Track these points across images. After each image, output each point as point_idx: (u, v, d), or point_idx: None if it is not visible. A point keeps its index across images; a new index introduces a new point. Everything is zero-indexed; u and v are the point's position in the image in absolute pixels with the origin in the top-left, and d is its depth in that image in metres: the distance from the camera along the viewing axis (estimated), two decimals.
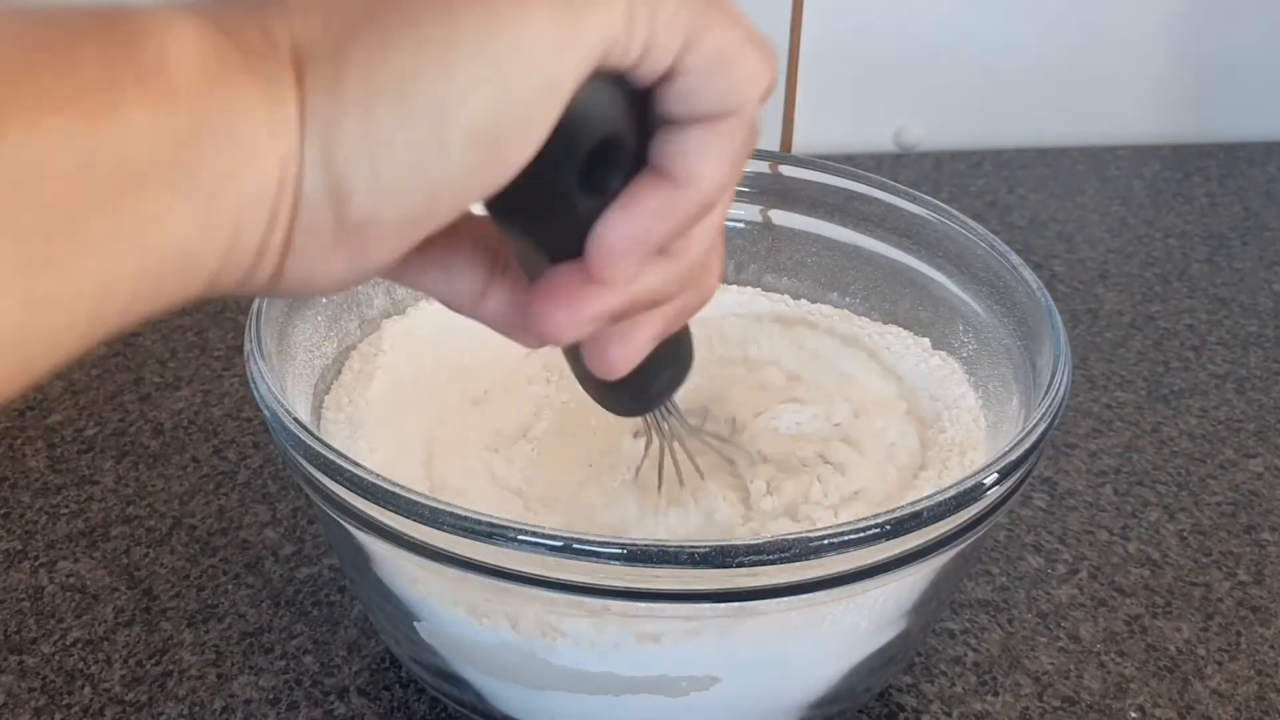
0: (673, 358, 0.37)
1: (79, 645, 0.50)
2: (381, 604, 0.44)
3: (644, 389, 0.38)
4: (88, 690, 0.48)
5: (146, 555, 0.55)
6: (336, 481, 0.38)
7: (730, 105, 0.27)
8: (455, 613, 0.40)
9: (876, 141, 0.94)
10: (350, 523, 0.39)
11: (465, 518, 0.35)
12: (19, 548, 0.55)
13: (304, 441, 0.38)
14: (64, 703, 0.48)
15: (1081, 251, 0.82)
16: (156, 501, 0.58)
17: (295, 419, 0.39)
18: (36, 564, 0.54)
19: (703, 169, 0.27)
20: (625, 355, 0.31)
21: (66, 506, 0.57)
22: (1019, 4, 0.91)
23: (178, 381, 0.66)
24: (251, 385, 0.41)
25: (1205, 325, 0.74)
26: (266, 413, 0.40)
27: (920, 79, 0.93)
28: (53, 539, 0.56)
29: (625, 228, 0.28)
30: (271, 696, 0.48)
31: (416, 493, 0.36)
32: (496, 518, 0.35)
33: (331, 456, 0.38)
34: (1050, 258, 0.80)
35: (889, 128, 0.94)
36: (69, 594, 0.53)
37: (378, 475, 0.37)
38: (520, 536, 0.35)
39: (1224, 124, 0.97)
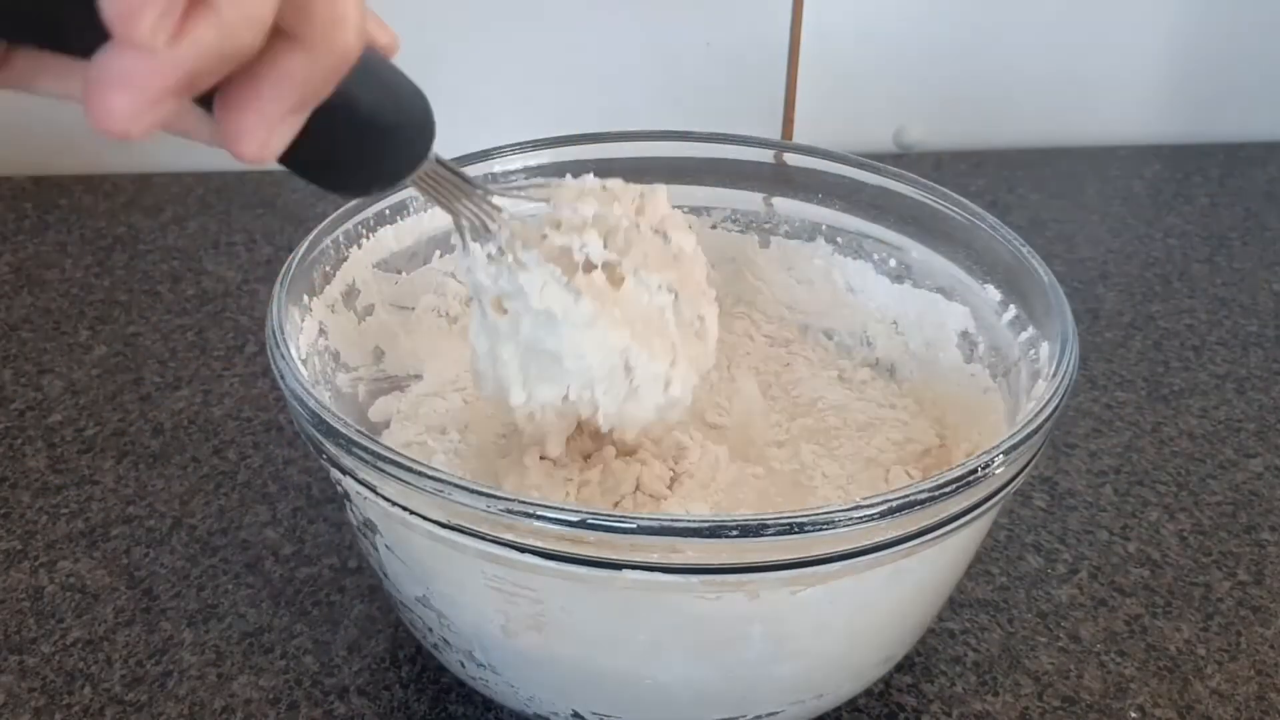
0: (378, 120, 0.33)
1: (79, 645, 0.50)
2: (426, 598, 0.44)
3: (368, 160, 0.34)
4: (88, 690, 0.48)
5: (146, 555, 0.55)
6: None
7: None
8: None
9: (876, 141, 0.94)
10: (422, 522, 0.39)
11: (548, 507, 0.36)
12: (19, 548, 0.55)
13: (373, 450, 0.39)
14: (64, 703, 0.48)
15: (1081, 251, 0.82)
16: (156, 501, 0.58)
17: (350, 422, 0.40)
18: (36, 564, 0.54)
19: None
20: (261, 135, 0.28)
21: (66, 506, 0.57)
22: (1019, 4, 0.91)
23: (178, 381, 0.66)
24: (279, 379, 0.42)
25: (1205, 325, 0.74)
26: (297, 405, 0.41)
27: (920, 79, 0.93)
28: (53, 539, 0.56)
29: None
30: (271, 696, 0.48)
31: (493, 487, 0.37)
32: (583, 507, 0.37)
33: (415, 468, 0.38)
34: (1050, 258, 0.80)
35: (889, 128, 0.94)
36: (69, 594, 0.53)
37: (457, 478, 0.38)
38: (609, 523, 0.36)
39: (1224, 124, 0.97)
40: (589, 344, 0.41)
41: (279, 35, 0.27)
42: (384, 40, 0.32)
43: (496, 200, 0.41)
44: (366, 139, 0.33)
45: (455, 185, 0.39)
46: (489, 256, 0.41)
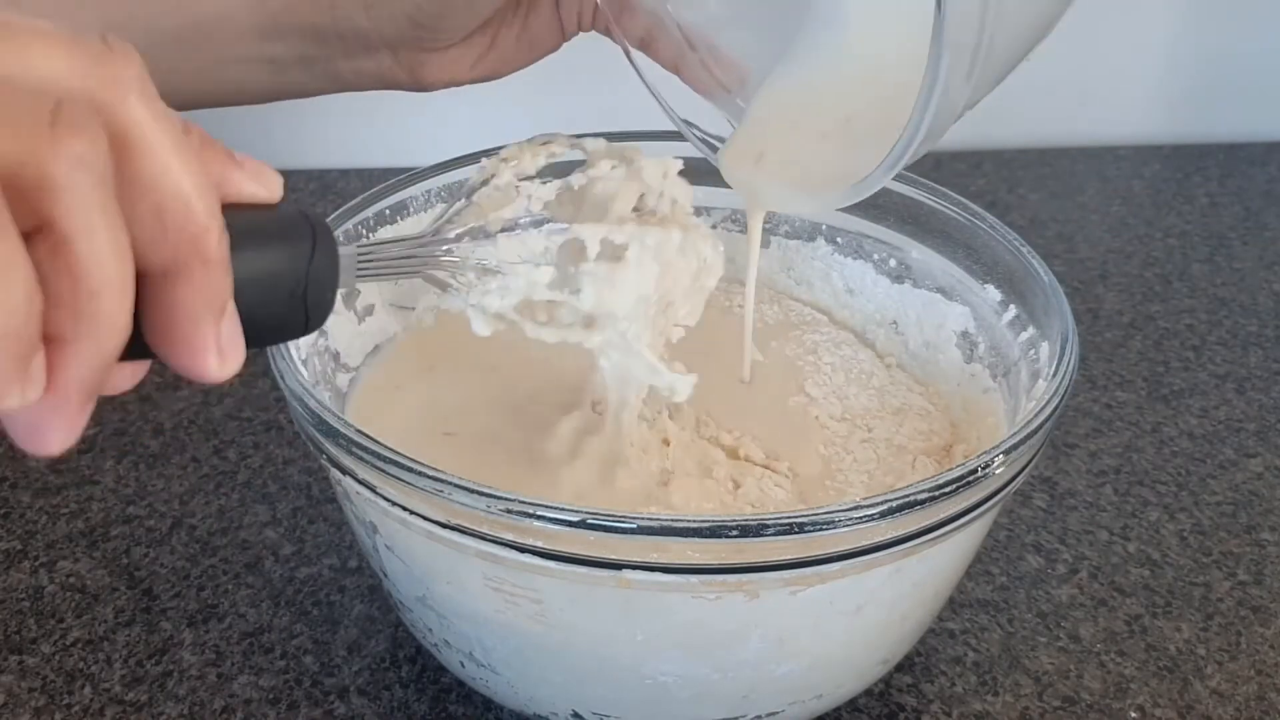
0: (280, 281, 0.30)
1: (79, 645, 0.50)
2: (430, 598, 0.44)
3: (295, 307, 0.31)
4: (88, 690, 0.49)
5: (146, 555, 0.55)
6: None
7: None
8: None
9: None
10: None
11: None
12: (19, 548, 0.55)
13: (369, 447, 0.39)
14: (64, 703, 0.48)
15: (1081, 251, 0.82)
16: (156, 501, 0.58)
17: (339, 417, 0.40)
18: (36, 564, 0.54)
19: None
20: (214, 360, 0.28)
21: (66, 506, 0.57)
22: None
23: (178, 381, 0.66)
24: (279, 379, 0.42)
25: (1205, 325, 0.74)
26: (297, 405, 0.41)
27: None
28: (53, 539, 0.56)
29: None
30: (271, 696, 0.48)
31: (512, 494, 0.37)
32: (583, 507, 0.37)
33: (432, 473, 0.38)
34: (1050, 258, 0.80)
35: None
36: (69, 594, 0.53)
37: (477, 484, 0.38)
38: (621, 524, 0.36)
39: (1224, 124, 0.97)
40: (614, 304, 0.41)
41: (151, 280, 0.27)
42: (264, 195, 0.30)
43: (450, 247, 0.38)
44: (271, 296, 0.31)
45: (397, 259, 0.36)
46: (472, 307, 0.39)
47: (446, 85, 0.53)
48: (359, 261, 0.34)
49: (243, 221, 0.28)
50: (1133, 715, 0.49)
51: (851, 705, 0.48)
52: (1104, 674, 0.51)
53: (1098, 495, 0.60)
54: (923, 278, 0.55)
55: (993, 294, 0.52)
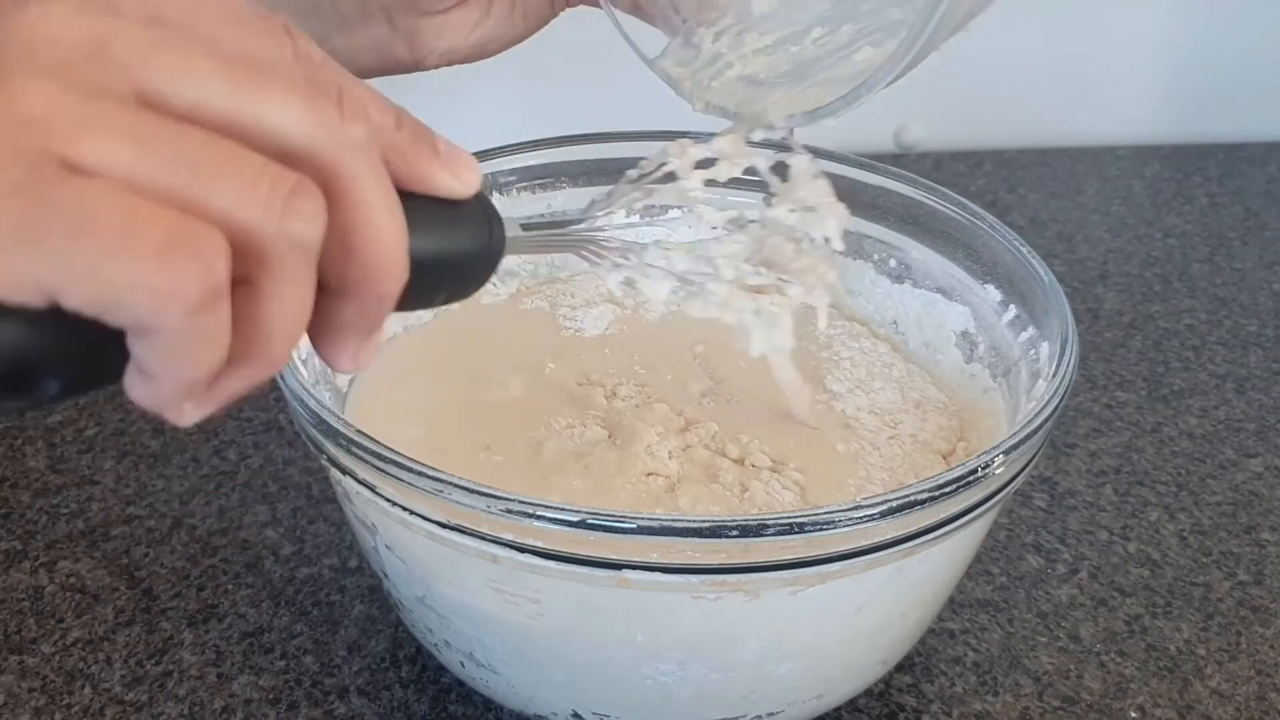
0: (447, 264, 0.31)
1: (79, 645, 0.50)
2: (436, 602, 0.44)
3: (453, 282, 0.33)
4: (88, 690, 0.49)
5: (146, 555, 0.55)
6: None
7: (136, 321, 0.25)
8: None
9: (876, 141, 0.94)
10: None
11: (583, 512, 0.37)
12: (19, 548, 0.55)
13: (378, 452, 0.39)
14: (64, 703, 0.48)
15: (1081, 251, 0.82)
16: (156, 501, 0.58)
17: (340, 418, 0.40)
18: (36, 564, 0.54)
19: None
20: (348, 362, 0.30)
21: (66, 506, 0.57)
22: (1019, 4, 0.91)
23: None
24: (279, 379, 0.42)
25: (1205, 325, 0.74)
26: (297, 405, 0.41)
27: (920, 79, 0.92)
28: (53, 539, 0.56)
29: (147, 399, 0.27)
30: (271, 696, 0.48)
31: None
32: (583, 507, 0.37)
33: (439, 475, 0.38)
34: (1050, 258, 0.80)
35: (889, 128, 0.94)
36: (69, 594, 0.53)
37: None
38: (628, 524, 0.36)
39: (1224, 124, 0.97)
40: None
41: (325, 290, 0.28)
42: (460, 191, 0.31)
43: (605, 230, 0.39)
44: (443, 278, 0.32)
45: (555, 238, 0.38)
46: (623, 283, 0.39)
47: (444, 59, 0.52)
48: (522, 241, 0.35)
49: (428, 212, 0.29)
50: (1133, 715, 0.49)
51: (851, 705, 0.48)
52: (1104, 674, 0.51)
53: (1098, 495, 0.60)
54: (923, 278, 0.55)
55: (993, 294, 0.52)
